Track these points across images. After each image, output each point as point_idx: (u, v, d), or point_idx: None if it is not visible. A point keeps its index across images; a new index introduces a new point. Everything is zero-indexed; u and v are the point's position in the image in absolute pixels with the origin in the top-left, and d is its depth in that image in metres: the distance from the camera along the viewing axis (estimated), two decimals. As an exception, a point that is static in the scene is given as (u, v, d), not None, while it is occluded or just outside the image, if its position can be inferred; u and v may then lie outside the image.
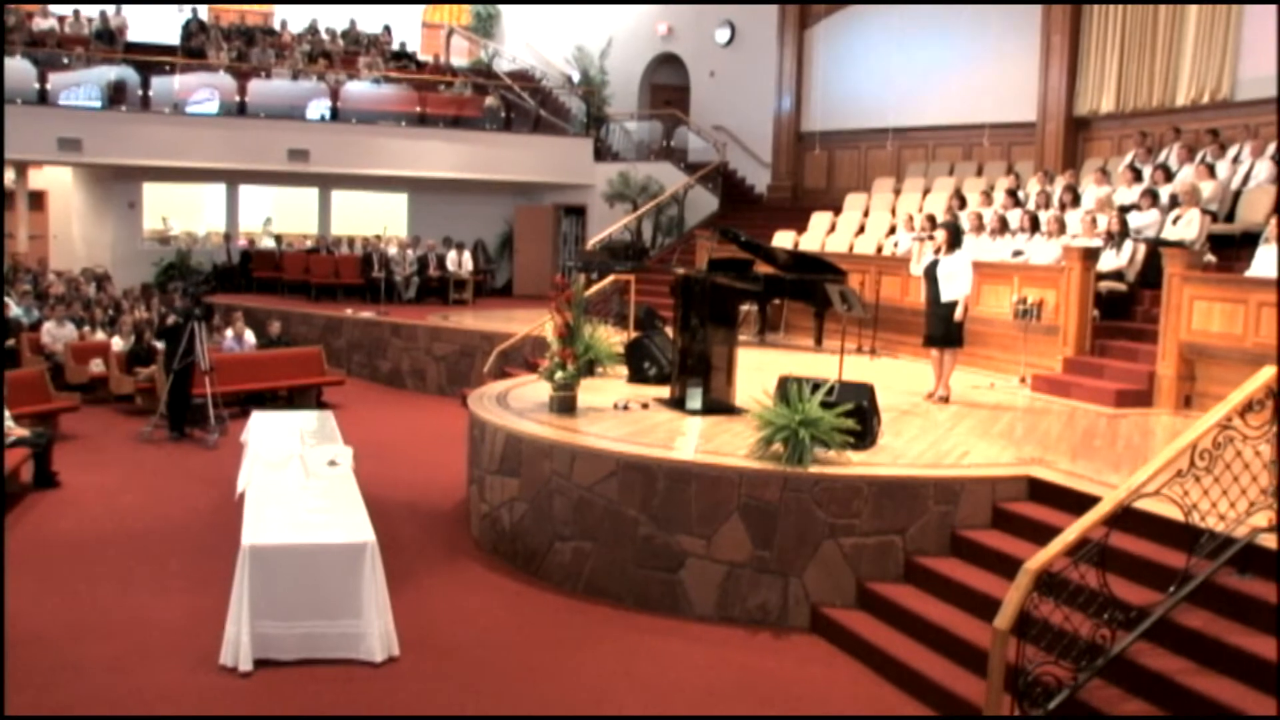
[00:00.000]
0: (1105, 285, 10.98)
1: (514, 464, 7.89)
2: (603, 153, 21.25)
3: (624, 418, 8.40)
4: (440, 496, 9.73)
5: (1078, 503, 6.46)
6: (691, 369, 8.74)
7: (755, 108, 20.16)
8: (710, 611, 6.94)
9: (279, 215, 21.77)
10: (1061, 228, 11.79)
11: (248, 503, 6.80)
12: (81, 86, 18.19)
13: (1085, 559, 5.13)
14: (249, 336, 14.56)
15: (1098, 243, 11.25)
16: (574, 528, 7.43)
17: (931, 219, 12.85)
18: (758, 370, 11.05)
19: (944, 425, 8.55)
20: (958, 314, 9.42)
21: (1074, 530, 5.10)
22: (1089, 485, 6.63)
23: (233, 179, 20.29)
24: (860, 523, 6.73)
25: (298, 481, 7.24)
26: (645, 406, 8.83)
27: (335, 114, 19.70)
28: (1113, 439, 8.26)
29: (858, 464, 6.96)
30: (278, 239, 20.80)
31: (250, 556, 5.95)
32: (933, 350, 9.78)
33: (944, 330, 9.53)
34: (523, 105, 21.31)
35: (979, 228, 12.77)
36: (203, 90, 19.13)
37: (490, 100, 20.95)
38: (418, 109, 20.31)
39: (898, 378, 11.09)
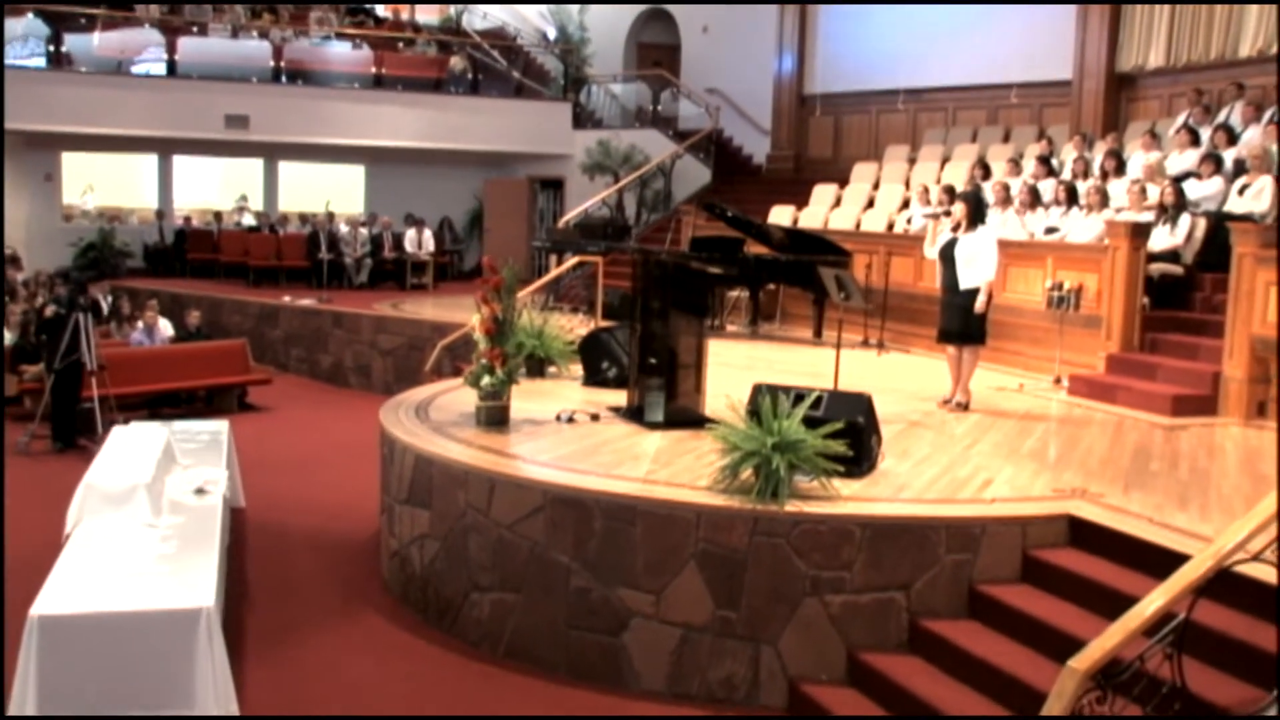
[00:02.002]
0: (1157, 268, 9.76)
1: (424, 493, 6.69)
2: (583, 119, 20.02)
3: (566, 434, 7.19)
4: (356, 525, 8.52)
5: (1133, 552, 5.31)
6: (652, 371, 7.52)
7: (753, 68, 18.93)
8: (661, 686, 5.74)
9: (215, 189, 20.58)
10: (1104, 200, 10.54)
11: (64, 552, 5.60)
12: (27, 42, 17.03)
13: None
14: (165, 328, 13.36)
15: (1148, 217, 10.02)
16: (493, 575, 6.23)
17: (950, 190, 11.59)
18: (747, 369, 9.97)
19: (962, 441, 7.32)
20: (979, 304, 8.19)
21: (1144, 609, 3.86)
22: (1148, 529, 5.40)
23: (166, 148, 19.06)
24: (852, 576, 5.51)
25: (142, 519, 6.04)
26: (595, 418, 7.62)
27: (279, 75, 18.43)
28: (1173, 460, 7.03)
29: (849, 498, 5.74)
30: (219, 216, 19.54)
31: (39, 631, 4.75)
32: (949, 347, 8.55)
33: (962, 323, 8.30)
34: (494, 66, 20.05)
35: (1005, 201, 11.51)
36: (154, 49, 17.92)
37: (456, 61, 19.69)
38: (373, 70, 19.03)
39: (909, 378, 9.91)
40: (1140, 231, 9.45)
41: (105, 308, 13.72)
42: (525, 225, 20.22)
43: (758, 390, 6.33)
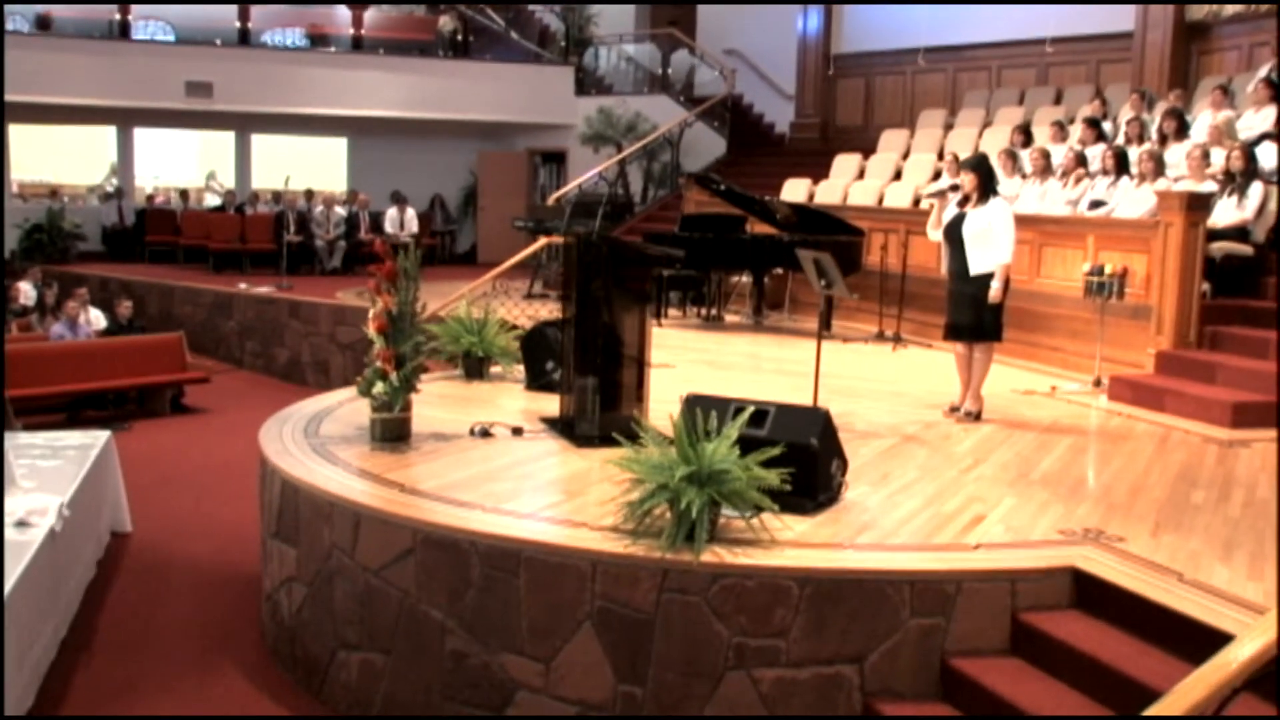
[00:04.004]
0: (1220, 247, 8.72)
1: (291, 526, 5.84)
2: (587, 84, 19.12)
3: (473, 452, 6.29)
4: (253, 556, 7.66)
5: (1151, 621, 4.32)
6: (585, 375, 6.61)
7: (776, 25, 17.93)
8: (555, 777, 4.84)
9: (192, 165, 19.93)
10: (1158, 168, 9.43)
11: None
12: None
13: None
14: (96, 320, 12.64)
15: (1211, 187, 8.94)
16: (360, 630, 5.36)
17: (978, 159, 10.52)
18: (751, 370, 9.24)
19: (961, 462, 6.33)
20: (993, 292, 7.17)
21: None
22: (1174, 591, 4.38)
23: (125, 120, 18.38)
24: (788, 645, 4.56)
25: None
26: (518, 432, 6.71)
27: (246, 37, 17.69)
28: (1224, 488, 5.98)
29: (790, 543, 4.78)
30: (184, 195, 18.87)
31: None
32: (957, 345, 7.54)
33: (973, 316, 7.28)
34: (488, 26, 19.19)
35: (1044, 170, 10.44)
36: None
37: (445, 20, 18.85)
38: (351, 31, 18.24)
39: (922, 378, 8.94)
40: (1199, 203, 8.39)
41: (32, 297, 13.05)
42: (524, 203, 19.40)
43: (690, 403, 5.38)
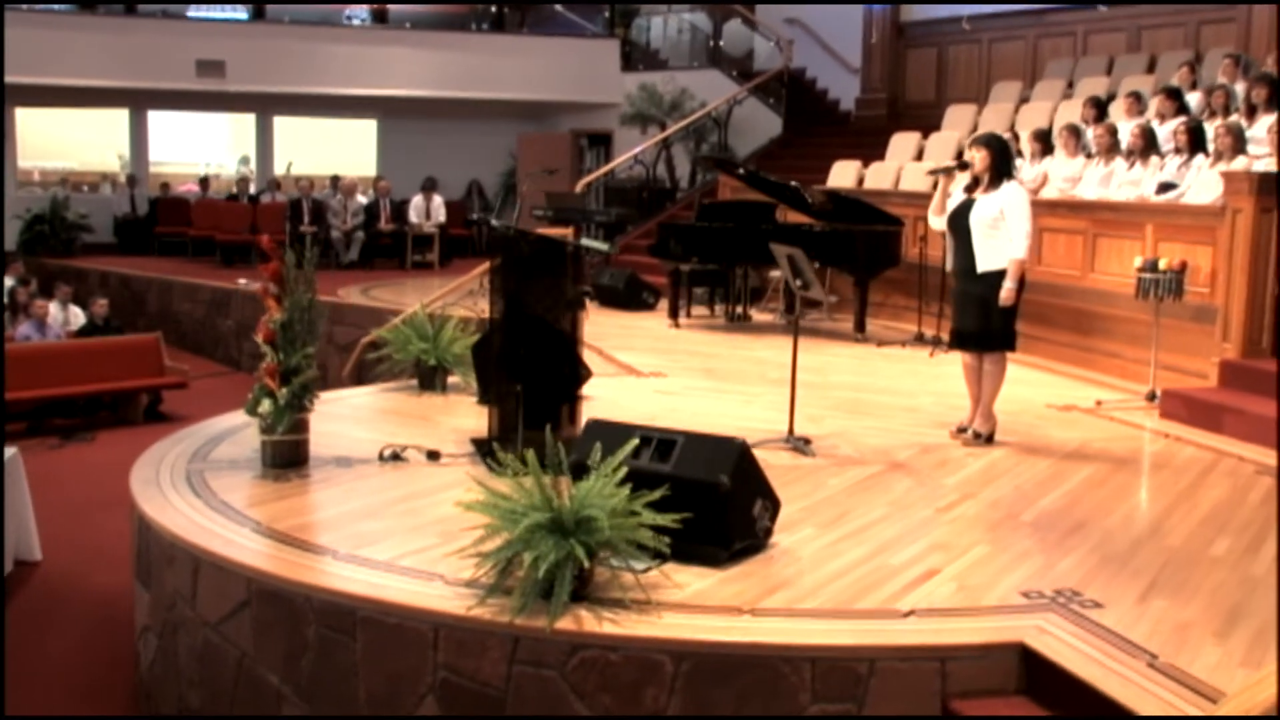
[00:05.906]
0: (1302, 238, 7.81)
1: (146, 566, 5.42)
2: (634, 59, 18.56)
3: (370, 482, 5.81)
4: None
5: (1107, 716, 3.60)
6: (507, 386, 6.09)
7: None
8: None
9: (224, 150, 19.87)
10: (1237, 144, 8.54)
11: None
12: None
13: None
14: (75, 317, 12.47)
15: (1292, 167, 8.06)
16: (201, 692, 4.91)
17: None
18: (753, 379, 8.80)
19: (943, 498, 5.63)
20: (1005, 293, 6.44)
21: None
22: (1136, 681, 3.67)
23: (138, 102, 18.30)
24: (662, 733, 3.97)
25: None
26: (434, 456, 6.21)
27: (261, 12, 17.51)
28: (1258, 537, 5.19)
29: (676, 605, 4.16)
30: (204, 182, 18.78)
31: None
32: (964, 355, 6.82)
33: (980, 321, 6.57)
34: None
35: (1110, 149, 9.61)
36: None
37: (481, -10, 18.53)
38: (375, 4, 17.96)
39: (951, 389, 8.09)
40: (1274, 186, 7.52)
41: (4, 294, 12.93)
42: (568, 188, 18.92)
43: (584, 431, 4.82)
